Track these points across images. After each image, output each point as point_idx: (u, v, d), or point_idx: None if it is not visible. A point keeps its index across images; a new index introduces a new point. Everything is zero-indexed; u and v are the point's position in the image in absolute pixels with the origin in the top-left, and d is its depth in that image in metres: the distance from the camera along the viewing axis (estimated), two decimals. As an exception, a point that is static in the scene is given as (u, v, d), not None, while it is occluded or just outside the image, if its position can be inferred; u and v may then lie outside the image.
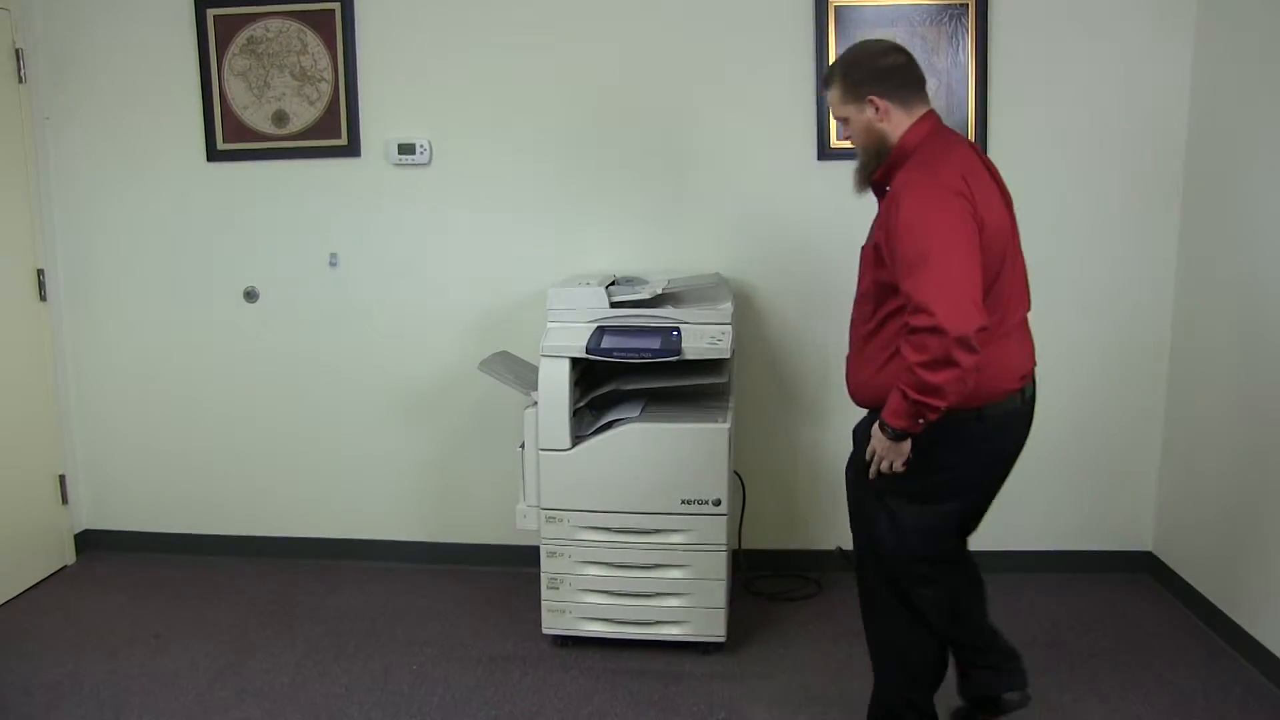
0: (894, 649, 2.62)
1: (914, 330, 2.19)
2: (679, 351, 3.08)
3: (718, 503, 3.14)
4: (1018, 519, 3.79)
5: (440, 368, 3.94)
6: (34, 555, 3.97)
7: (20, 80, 3.85)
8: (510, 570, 3.85)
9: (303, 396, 4.05)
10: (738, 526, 3.74)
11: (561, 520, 3.23)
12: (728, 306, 3.22)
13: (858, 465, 2.52)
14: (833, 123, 3.58)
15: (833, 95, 2.48)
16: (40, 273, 3.97)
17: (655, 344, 3.10)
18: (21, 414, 3.89)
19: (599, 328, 3.18)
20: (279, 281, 3.98)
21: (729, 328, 3.15)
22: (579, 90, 3.73)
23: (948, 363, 2.16)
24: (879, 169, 2.46)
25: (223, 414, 4.10)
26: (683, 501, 3.15)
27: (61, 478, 4.11)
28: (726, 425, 3.12)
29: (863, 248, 2.53)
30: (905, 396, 2.23)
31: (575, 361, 3.15)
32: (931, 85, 3.42)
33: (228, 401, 4.09)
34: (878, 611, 2.62)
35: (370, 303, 3.94)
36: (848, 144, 2.75)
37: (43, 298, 3.99)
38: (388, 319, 3.95)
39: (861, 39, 2.76)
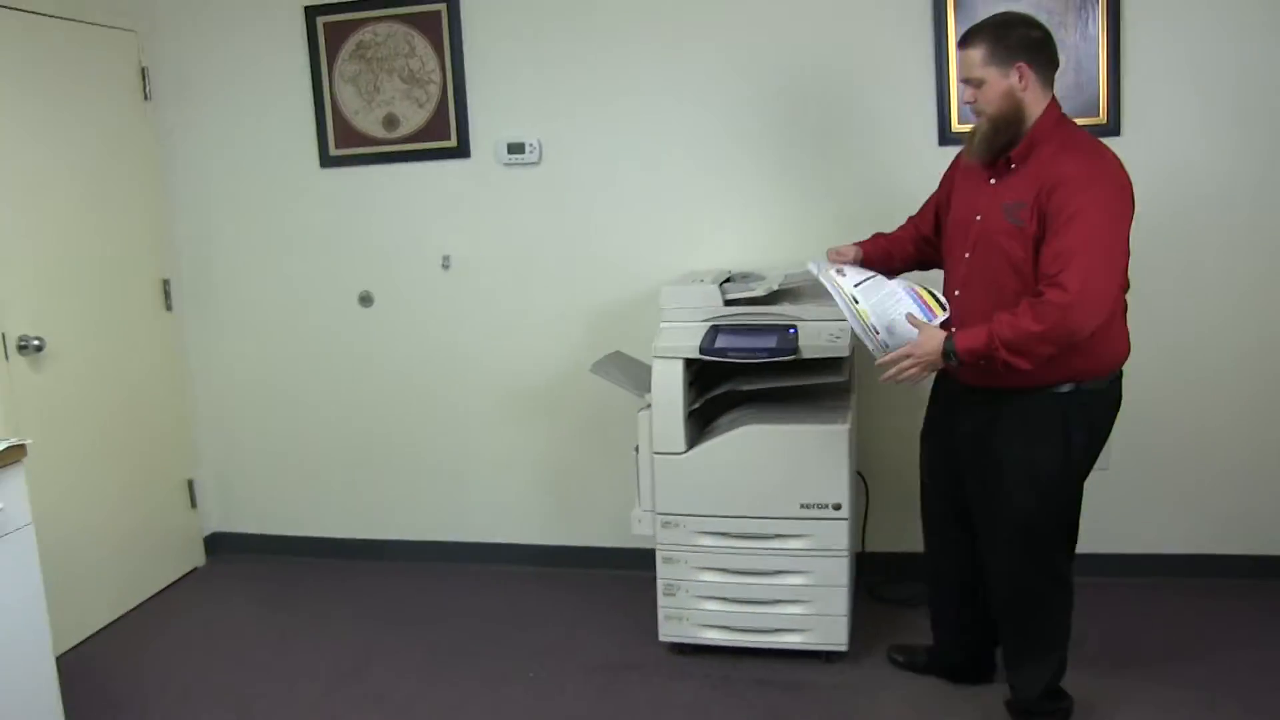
0: (1059, 628, 2.67)
1: (1042, 300, 2.29)
2: (796, 350, 2.96)
3: (838, 506, 3.02)
4: (1152, 519, 3.59)
5: (555, 368, 3.90)
6: (167, 558, 4.08)
7: (146, 98, 3.95)
8: (628, 574, 3.79)
9: (419, 400, 4.06)
10: (861, 529, 3.60)
11: (678, 525, 3.15)
12: (847, 302, 3.09)
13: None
14: (954, 107, 3.41)
15: (973, 55, 2.43)
16: (166, 283, 4.07)
17: (771, 343, 2.99)
18: (151, 421, 3.99)
19: (713, 327, 3.09)
20: (393, 285, 4.00)
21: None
22: (689, 83, 3.63)
23: (1054, 343, 2.30)
24: (1015, 142, 2.43)
25: (342, 418, 4.14)
26: (802, 505, 3.04)
27: (190, 482, 4.21)
28: (847, 426, 3.00)
29: (968, 218, 2.56)
30: (992, 344, 2.33)
31: (689, 362, 3.07)
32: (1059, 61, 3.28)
33: (347, 405, 4.13)
34: (1044, 594, 2.64)
35: (483, 304, 3.93)
36: (966, 127, 2.65)
37: (168, 307, 4.08)
38: (501, 320, 3.93)
39: (985, 16, 2.64)
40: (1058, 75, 3.25)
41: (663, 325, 3.15)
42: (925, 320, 2.52)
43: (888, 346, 2.55)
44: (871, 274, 2.66)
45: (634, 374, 3.32)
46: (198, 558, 4.25)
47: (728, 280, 3.35)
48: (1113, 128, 3.35)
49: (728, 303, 3.12)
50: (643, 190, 3.73)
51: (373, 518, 4.20)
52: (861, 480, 3.54)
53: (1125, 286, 2.50)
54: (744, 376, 3.11)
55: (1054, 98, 2.47)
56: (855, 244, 2.92)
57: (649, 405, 3.12)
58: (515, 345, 3.93)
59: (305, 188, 4.00)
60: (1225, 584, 3.53)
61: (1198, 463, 3.55)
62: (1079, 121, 3.26)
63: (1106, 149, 2.42)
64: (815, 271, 2.73)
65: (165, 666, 3.38)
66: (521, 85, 3.75)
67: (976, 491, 2.70)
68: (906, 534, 3.70)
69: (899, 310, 2.55)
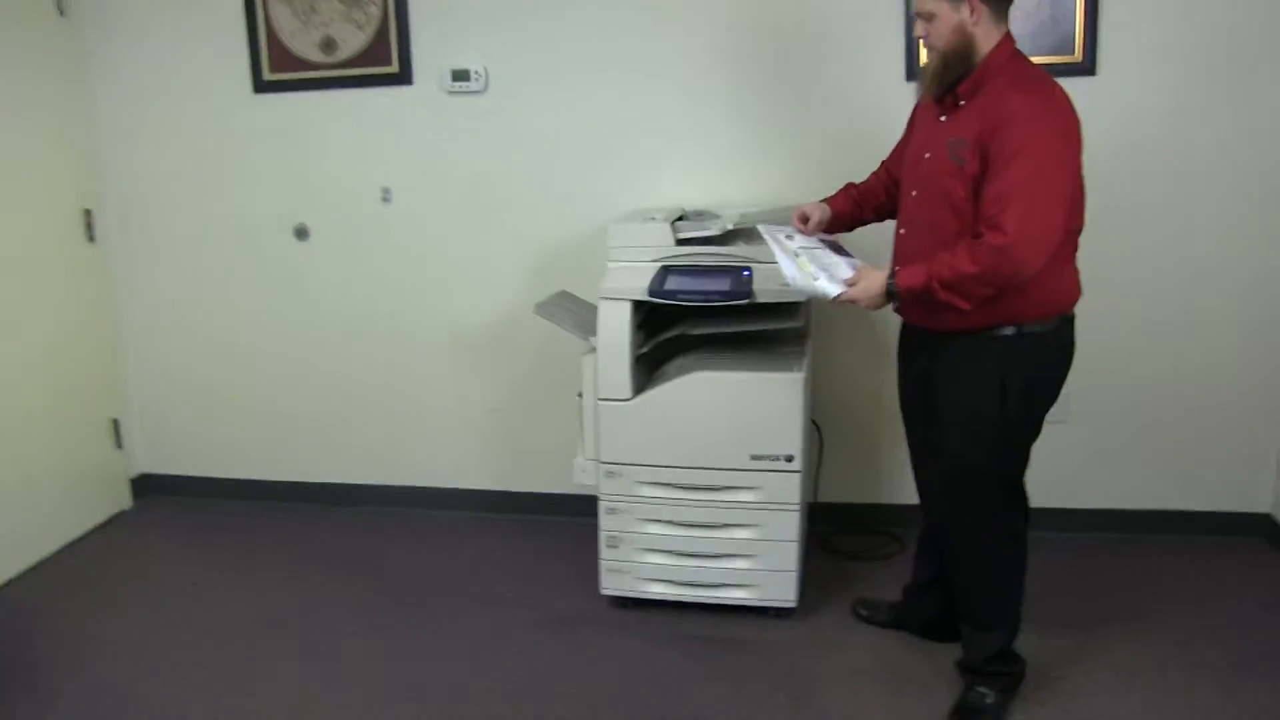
0: (1009, 587, 2.59)
1: (979, 242, 2.23)
2: (750, 294, 2.81)
3: (790, 458, 2.89)
4: (1120, 475, 3.50)
5: (500, 308, 3.73)
6: (91, 499, 3.89)
7: (60, 13, 3.68)
8: (576, 520, 3.63)
9: (358, 338, 3.88)
10: (814, 479, 3.48)
11: (621, 475, 3.01)
12: (805, 243, 2.93)
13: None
14: (922, 44, 3.24)
15: None
16: (88, 213, 3.83)
17: (724, 285, 2.83)
18: (73, 357, 3.78)
19: (663, 268, 2.93)
20: (331, 218, 3.80)
21: (805, 267, 2.86)
22: (647, 9, 3.43)
23: (991, 284, 2.24)
24: (965, 79, 2.36)
25: (277, 356, 3.96)
26: (753, 457, 2.90)
27: (115, 421, 4.01)
28: (802, 374, 2.86)
29: (919, 156, 2.50)
30: (930, 284, 2.29)
31: (638, 305, 2.91)
32: None
33: (282, 344, 3.94)
34: (989, 550, 2.56)
35: (425, 240, 3.74)
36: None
37: (91, 238, 3.85)
38: (444, 257, 3.74)
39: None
40: (1033, 9, 3.11)
41: (610, 265, 2.98)
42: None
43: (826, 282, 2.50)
44: (818, 244, 2.59)
45: (580, 316, 3.15)
46: (124, 500, 4.06)
47: (680, 218, 3.19)
48: (1087, 67, 3.21)
49: (679, 242, 2.96)
50: (594, 123, 3.54)
51: (309, 460, 4.03)
52: (815, 428, 3.41)
53: (1077, 229, 2.43)
54: (695, 320, 2.97)
55: (1008, 33, 2.38)
56: (823, 200, 2.82)
57: (594, 349, 2.96)
58: (459, 282, 3.75)
59: (237, 114, 3.77)
60: (1183, 541, 3.46)
61: (1152, 415, 3.45)
62: (1052, 59, 3.20)
63: (1056, 86, 2.34)
64: (763, 233, 2.66)
65: (81, 616, 3.21)
66: (468, 7, 3.53)
67: (921, 436, 2.68)
68: (861, 484, 3.63)
69: (839, 265, 2.54)
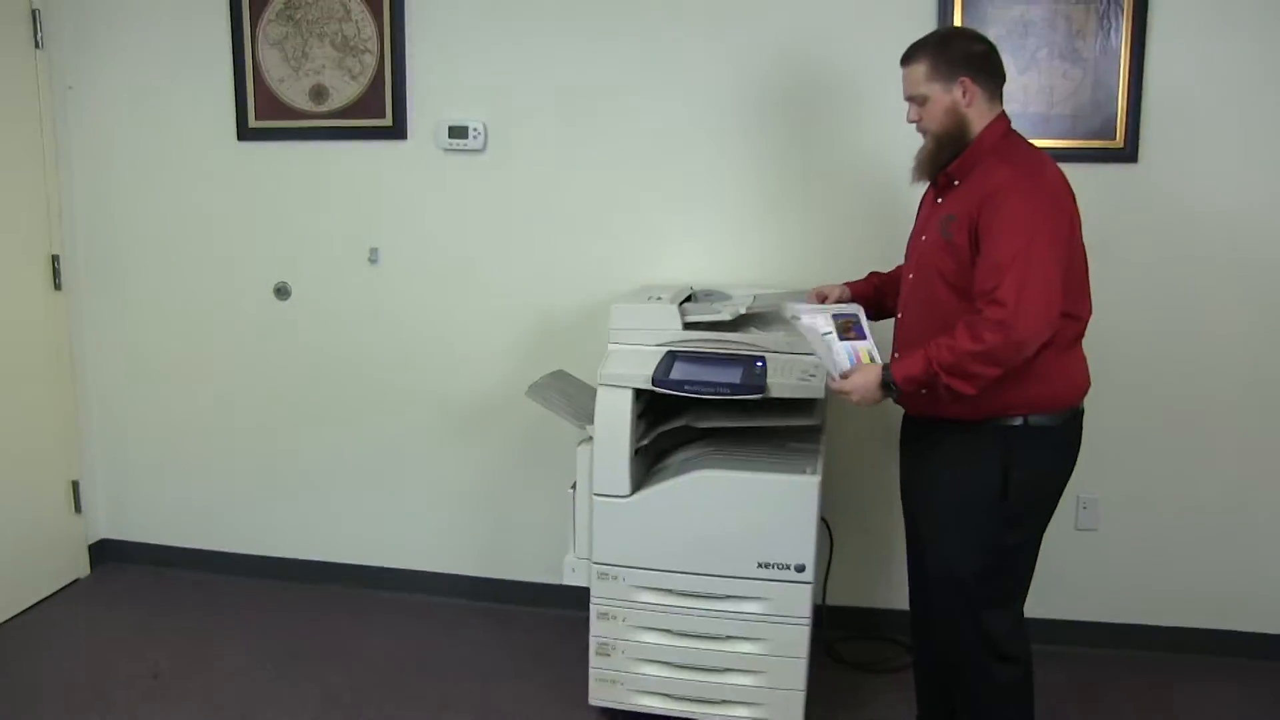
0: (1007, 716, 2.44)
1: (978, 318, 2.14)
2: (764, 388, 2.56)
3: (801, 568, 2.63)
4: (1155, 588, 3.24)
5: (491, 381, 3.48)
6: (45, 566, 3.63)
7: (37, 45, 3.46)
8: (561, 614, 3.39)
9: (337, 407, 3.62)
10: (822, 580, 3.22)
11: (616, 578, 2.74)
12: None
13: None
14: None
15: (915, 72, 2.33)
16: (55, 259, 3.59)
17: (735, 377, 2.59)
18: (32, 413, 3.53)
19: (669, 353, 2.69)
20: (314, 277, 3.56)
21: (825, 360, 2.62)
22: (660, 72, 3.22)
23: (996, 362, 2.13)
24: (955, 159, 2.31)
25: (251, 422, 3.70)
26: (760, 564, 2.64)
27: (75, 484, 3.74)
28: (816, 477, 2.60)
29: (916, 238, 2.45)
30: (930, 369, 2.18)
31: (640, 392, 2.66)
32: (1074, 75, 2.93)
33: (256, 409, 3.69)
34: (976, 672, 2.41)
35: (414, 306, 3.50)
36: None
37: (57, 286, 3.61)
38: (433, 325, 3.50)
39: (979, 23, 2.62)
40: (1073, 90, 2.91)
41: (611, 348, 2.74)
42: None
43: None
44: (830, 330, 2.39)
45: (576, 399, 2.91)
46: (81, 568, 3.79)
47: (688, 299, 2.96)
48: (1129, 153, 3.00)
49: (687, 325, 2.72)
50: (599, 188, 3.32)
51: (278, 533, 3.76)
52: (825, 526, 3.15)
53: (1081, 314, 2.33)
54: (701, 411, 2.72)
55: (1002, 113, 2.33)
56: (844, 284, 2.71)
57: (590, 438, 2.71)
58: (448, 353, 3.51)
59: (220, 161, 3.54)
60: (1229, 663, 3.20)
61: (1192, 529, 3.21)
62: (1092, 144, 3.00)
63: (1048, 162, 2.28)
64: (782, 308, 2.49)
65: (20, 696, 2.93)
66: (468, 61, 3.32)
67: (913, 535, 2.55)
68: (871, 588, 3.37)
69: (838, 354, 2.37)
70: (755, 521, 2.62)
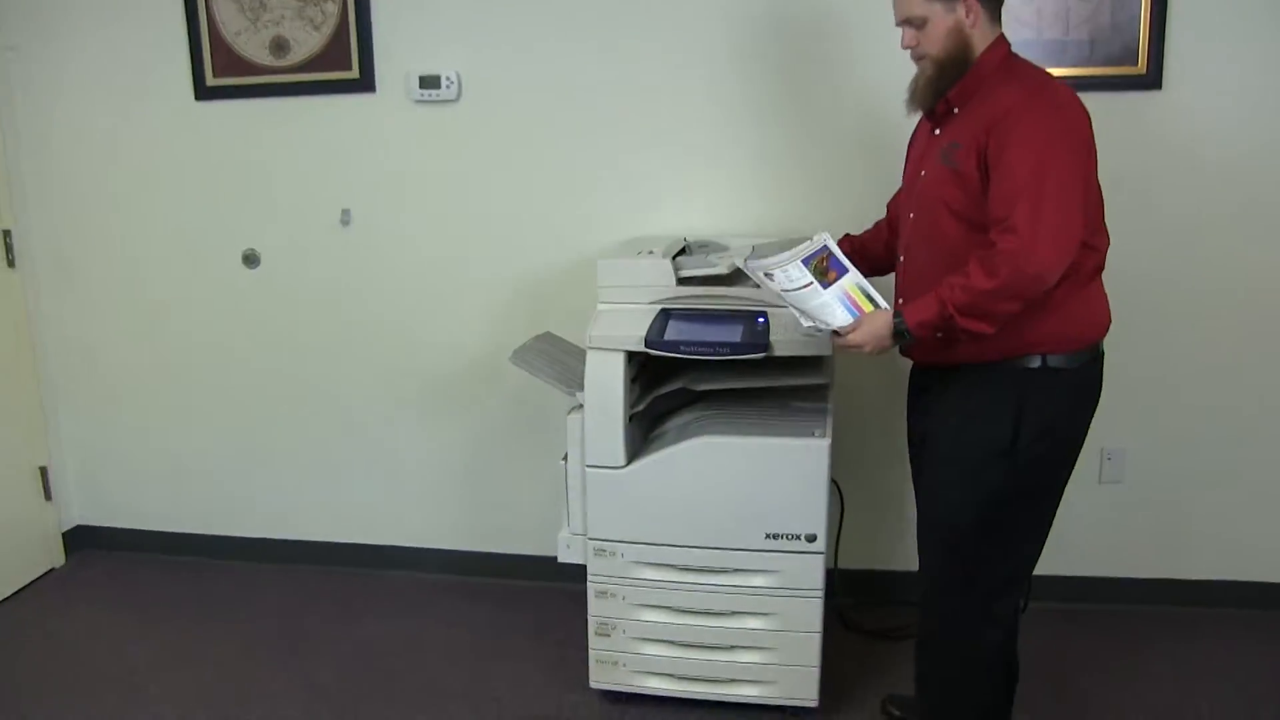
0: (982, 686, 2.30)
1: (991, 251, 1.97)
2: (767, 346, 2.36)
3: (813, 538, 2.45)
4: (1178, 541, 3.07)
5: (476, 346, 3.28)
6: (17, 557, 3.46)
7: (-26, 3, 3.23)
8: (559, 587, 3.20)
9: (314, 379, 3.43)
10: (834, 545, 3.05)
11: (614, 554, 2.57)
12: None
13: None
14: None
15: None
16: (7, 234, 3.38)
17: (735, 335, 2.39)
18: (-9, 399, 3.34)
19: (663, 311, 2.49)
20: (283, 242, 3.35)
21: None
22: (647, 7, 2.99)
23: (1015, 296, 1.97)
24: (955, 85, 2.12)
25: (225, 398, 3.50)
26: (768, 535, 2.47)
27: (43, 470, 3.55)
28: (826, 440, 2.42)
29: (914, 177, 2.25)
30: (945, 312, 2.01)
31: (632, 355, 2.46)
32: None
33: (229, 384, 3.49)
34: (959, 633, 2.28)
35: (390, 269, 3.29)
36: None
37: (10, 263, 3.40)
38: (411, 289, 3.29)
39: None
40: (1090, 14, 2.72)
41: (600, 307, 2.54)
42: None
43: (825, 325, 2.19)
44: (808, 280, 2.17)
45: (565, 364, 2.71)
46: (55, 556, 3.62)
47: (682, 252, 2.75)
48: (1152, 80, 2.79)
49: (681, 281, 2.52)
50: (584, 136, 3.10)
51: (261, 513, 3.58)
52: (835, 488, 2.97)
53: (1099, 245, 2.14)
54: (699, 373, 2.53)
55: (1002, 35, 2.14)
56: None
57: (581, 406, 2.52)
58: (429, 317, 3.31)
59: (177, 123, 3.31)
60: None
61: (1223, 480, 3.03)
62: (1112, 71, 2.77)
63: (1058, 83, 2.09)
64: (745, 268, 2.27)
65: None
66: (439, 4, 3.08)
67: (918, 488, 2.41)
68: (886, 550, 3.20)
69: (831, 322, 2.17)
70: (761, 490, 2.44)
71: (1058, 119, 2.01)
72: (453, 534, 3.46)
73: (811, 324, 2.17)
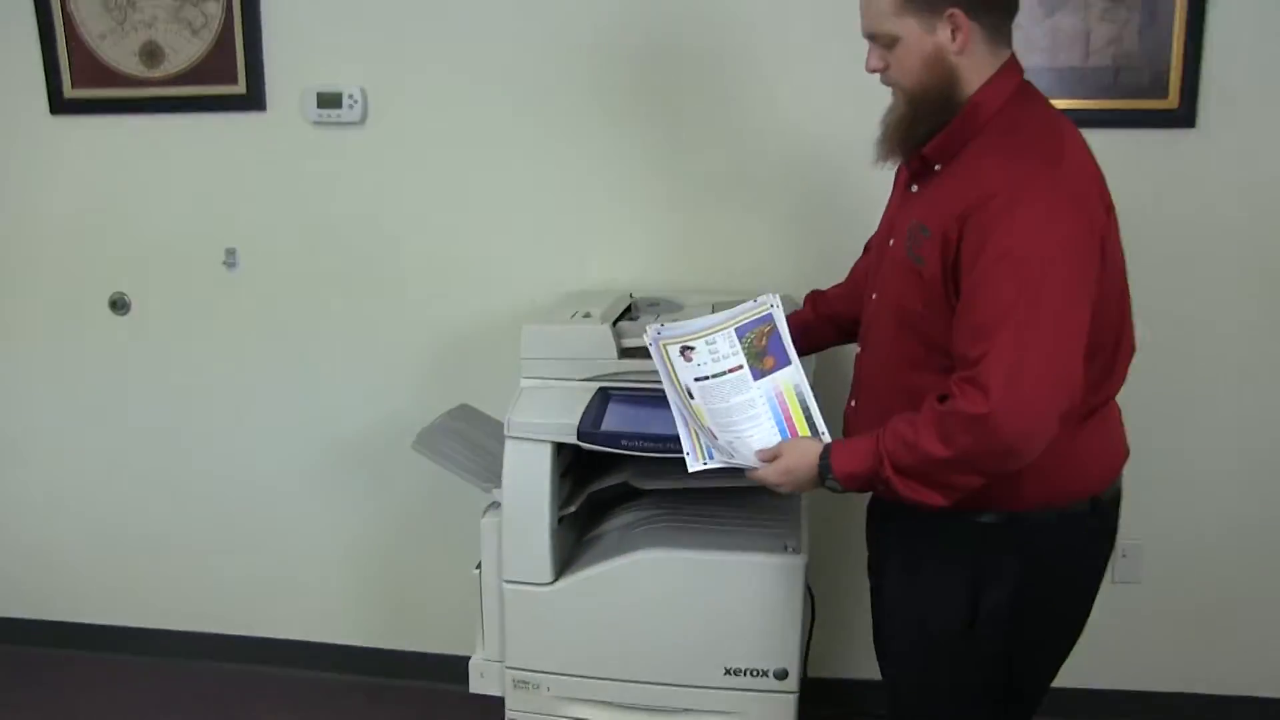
0: None
1: (949, 407, 1.45)
2: (726, 442, 1.90)
3: (783, 675, 2.00)
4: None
5: (385, 413, 2.79)
6: None
7: None
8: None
9: (192, 443, 2.92)
10: (804, 652, 2.59)
11: (538, 687, 2.08)
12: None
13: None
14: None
15: (883, 2, 1.55)
16: None
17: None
18: None
19: (601, 391, 2.02)
20: (156, 286, 2.84)
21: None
22: (586, 20, 2.52)
23: (973, 470, 1.47)
24: (939, 133, 1.57)
25: (89, 463, 2.98)
26: (728, 671, 2.00)
27: None
28: (802, 557, 1.96)
29: (884, 242, 1.72)
30: (880, 472, 1.51)
31: (562, 445, 1.98)
32: (1117, 15, 2.30)
33: (95, 446, 2.96)
34: None
35: (282, 320, 2.79)
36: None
37: None
38: (307, 344, 2.80)
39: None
40: (1114, 36, 2.28)
41: (524, 384, 2.06)
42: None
43: (725, 459, 1.67)
44: (737, 364, 1.73)
45: (483, 448, 2.23)
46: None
47: (627, 311, 2.28)
48: (1184, 116, 2.36)
49: (624, 353, 2.05)
50: (511, 168, 2.63)
51: (116, 597, 3.05)
52: (807, 590, 2.51)
53: (1113, 361, 1.61)
54: (647, 467, 2.06)
55: (1010, 59, 1.59)
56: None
57: (498, 503, 2.04)
58: (328, 377, 2.81)
59: (30, 141, 2.80)
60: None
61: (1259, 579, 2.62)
62: (1139, 104, 2.36)
63: (1069, 142, 1.53)
64: (648, 341, 1.79)
65: None
66: (341, 8, 2.60)
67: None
68: (863, 657, 2.71)
69: (749, 431, 1.70)
70: (720, 616, 1.98)
71: (1059, 213, 1.45)
72: (357, 628, 2.96)
73: (708, 454, 1.66)
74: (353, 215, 2.70)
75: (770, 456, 1.65)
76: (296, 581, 2.96)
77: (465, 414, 2.38)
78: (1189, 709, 2.68)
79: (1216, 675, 2.67)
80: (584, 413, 1.95)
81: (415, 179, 2.66)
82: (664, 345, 1.75)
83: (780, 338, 1.71)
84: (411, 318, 2.73)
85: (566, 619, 2.03)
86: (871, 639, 1.89)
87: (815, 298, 2.08)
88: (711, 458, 1.67)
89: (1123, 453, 1.70)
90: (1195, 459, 2.55)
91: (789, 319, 1.80)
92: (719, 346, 1.74)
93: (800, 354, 1.76)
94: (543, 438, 1.96)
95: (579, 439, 1.92)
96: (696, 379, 1.72)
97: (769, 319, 1.72)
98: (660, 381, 1.75)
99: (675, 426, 1.77)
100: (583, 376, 2.04)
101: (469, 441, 2.24)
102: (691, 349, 1.74)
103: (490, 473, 2.09)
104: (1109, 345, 1.58)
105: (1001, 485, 1.51)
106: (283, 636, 3.00)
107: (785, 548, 1.97)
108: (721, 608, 1.97)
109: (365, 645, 2.97)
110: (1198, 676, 2.68)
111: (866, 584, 2.21)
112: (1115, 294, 1.57)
